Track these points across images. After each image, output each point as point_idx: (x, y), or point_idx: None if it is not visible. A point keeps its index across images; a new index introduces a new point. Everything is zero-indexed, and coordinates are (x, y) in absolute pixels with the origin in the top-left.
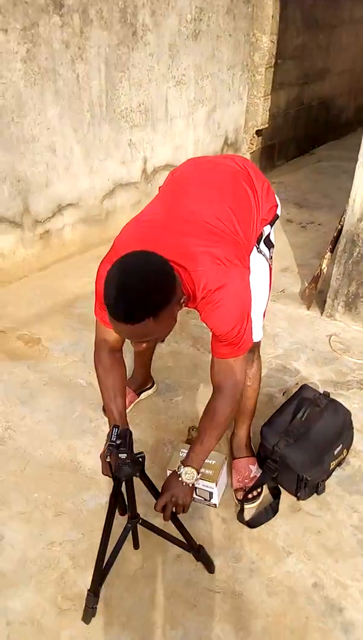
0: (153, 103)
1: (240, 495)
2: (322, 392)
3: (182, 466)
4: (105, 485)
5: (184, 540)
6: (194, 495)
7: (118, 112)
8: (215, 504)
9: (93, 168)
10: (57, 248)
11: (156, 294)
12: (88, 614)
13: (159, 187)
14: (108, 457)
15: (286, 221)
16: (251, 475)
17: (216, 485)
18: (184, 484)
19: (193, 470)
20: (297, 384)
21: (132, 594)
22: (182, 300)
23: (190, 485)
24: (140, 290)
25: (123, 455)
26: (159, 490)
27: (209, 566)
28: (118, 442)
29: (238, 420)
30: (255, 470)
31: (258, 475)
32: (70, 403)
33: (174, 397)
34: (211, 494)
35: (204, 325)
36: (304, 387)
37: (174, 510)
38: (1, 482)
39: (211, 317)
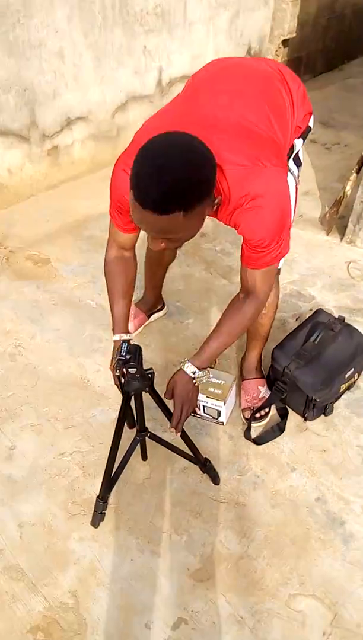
0: (170, 5)
1: (248, 414)
2: (337, 317)
3: (195, 369)
4: (114, 401)
5: (191, 454)
6: (202, 413)
7: (132, 15)
8: (223, 422)
9: (104, 78)
10: (66, 166)
11: (196, 184)
12: (97, 519)
13: (179, 94)
14: (117, 370)
15: (310, 142)
16: (260, 396)
17: (224, 404)
18: (195, 384)
19: (206, 372)
20: (311, 309)
21: (139, 501)
22: (216, 201)
23: (198, 385)
24: (179, 176)
25: (133, 370)
26: (168, 407)
27: (215, 478)
28: (128, 357)
29: (250, 344)
30: (263, 392)
31: (266, 397)
32: (80, 323)
33: (185, 319)
34: (219, 412)
35: (217, 249)
36: (319, 312)
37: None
38: (12, 396)
39: (249, 222)
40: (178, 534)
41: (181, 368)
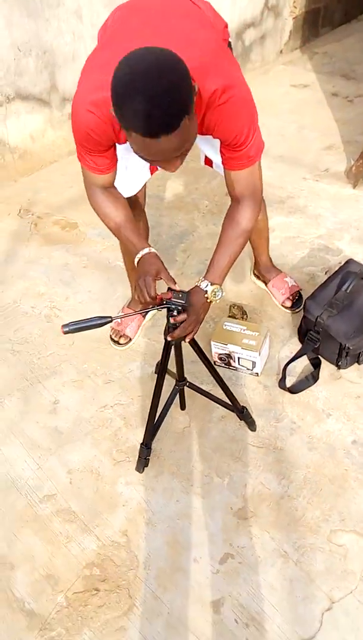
0: None
1: (289, 303)
2: None
3: (207, 283)
4: (150, 357)
5: (228, 402)
6: (237, 365)
7: None
8: (257, 373)
9: None
10: None
11: (184, 87)
12: (141, 464)
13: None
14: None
15: (332, 95)
16: (290, 285)
17: (259, 354)
18: (209, 301)
19: (219, 288)
20: (340, 263)
21: (180, 447)
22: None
23: (212, 302)
24: (171, 89)
25: (174, 320)
26: (208, 358)
27: (252, 425)
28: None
29: (258, 249)
30: (290, 281)
31: (295, 284)
32: (111, 285)
33: None
34: (254, 363)
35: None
36: (350, 262)
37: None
38: (52, 355)
39: (225, 118)
40: (219, 476)
41: (196, 285)
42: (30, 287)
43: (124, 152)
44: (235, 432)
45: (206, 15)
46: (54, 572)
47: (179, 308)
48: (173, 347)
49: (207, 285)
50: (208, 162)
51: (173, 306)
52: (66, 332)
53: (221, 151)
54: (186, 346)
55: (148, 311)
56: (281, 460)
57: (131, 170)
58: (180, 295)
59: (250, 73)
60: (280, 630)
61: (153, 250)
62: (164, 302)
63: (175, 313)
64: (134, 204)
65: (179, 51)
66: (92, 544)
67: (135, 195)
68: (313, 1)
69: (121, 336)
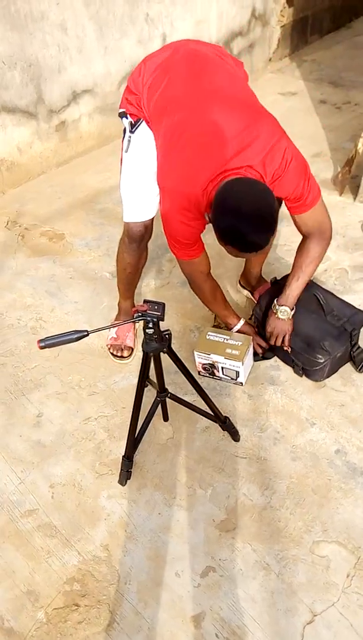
0: None
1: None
2: None
3: (277, 306)
4: (134, 368)
5: (211, 412)
6: (221, 375)
7: None
8: (241, 382)
9: (108, 49)
10: (74, 141)
11: (274, 213)
12: (123, 477)
13: (147, 60)
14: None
15: (320, 102)
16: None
17: (242, 364)
18: (281, 320)
19: (287, 308)
20: (326, 270)
21: (163, 459)
22: None
23: (287, 319)
24: (267, 218)
25: (150, 331)
26: (187, 368)
27: (235, 435)
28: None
29: (254, 262)
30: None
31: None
32: (97, 295)
33: None
34: (237, 372)
35: None
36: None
37: (277, 342)
38: (37, 367)
39: (284, 186)
40: (202, 488)
41: (275, 314)
42: (17, 298)
43: (143, 175)
44: (218, 442)
45: (234, 69)
46: (35, 588)
47: (155, 320)
48: (152, 359)
49: (276, 307)
50: None
51: (149, 318)
52: (42, 347)
53: (286, 204)
54: (166, 357)
55: (124, 324)
56: (264, 470)
57: (150, 193)
58: (156, 307)
59: None
60: None
61: (243, 320)
62: (141, 314)
63: (151, 325)
64: (149, 229)
65: (246, 128)
66: (73, 558)
67: (150, 219)
68: (301, 9)
69: (122, 349)
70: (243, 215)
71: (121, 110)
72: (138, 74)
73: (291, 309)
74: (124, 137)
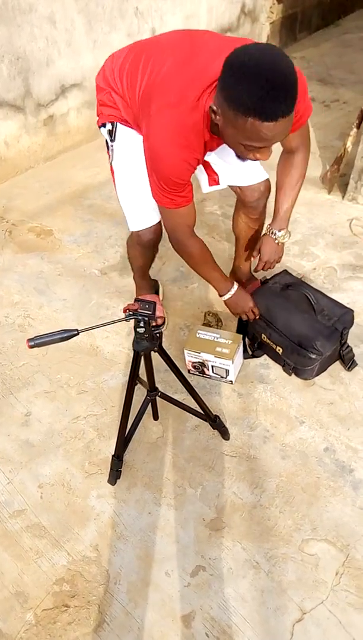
0: None
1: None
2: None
3: (276, 230)
4: (124, 366)
5: (201, 411)
6: (211, 373)
7: None
8: (231, 381)
9: (97, 42)
10: (63, 136)
11: (295, 75)
12: (113, 476)
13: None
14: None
15: None
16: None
17: (232, 362)
18: (279, 244)
19: (286, 231)
20: (314, 269)
21: (153, 458)
22: None
23: (281, 243)
24: (290, 76)
25: (141, 330)
26: (178, 367)
27: (225, 434)
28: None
29: (244, 257)
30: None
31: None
32: (86, 292)
33: (190, 284)
34: (227, 371)
35: (219, 213)
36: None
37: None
38: (25, 366)
39: None
40: (192, 487)
41: (266, 234)
42: (4, 295)
43: (137, 179)
44: (208, 441)
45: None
46: (24, 589)
47: (146, 318)
48: (143, 357)
49: (275, 232)
50: (212, 182)
51: (140, 317)
52: (31, 347)
53: None
54: (156, 356)
55: (114, 323)
56: (254, 469)
57: (149, 196)
58: (147, 306)
59: None
60: None
61: (236, 284)
62: (132, 313)
63: (141, 323)
64: (158, 233)
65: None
66: (62, 559)
67: (157, 223)
68: (290, 6)
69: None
70: (271, 68)
71: (99, 121)
72: (109, 68)
73: (288, 232)
74: (107, 149)
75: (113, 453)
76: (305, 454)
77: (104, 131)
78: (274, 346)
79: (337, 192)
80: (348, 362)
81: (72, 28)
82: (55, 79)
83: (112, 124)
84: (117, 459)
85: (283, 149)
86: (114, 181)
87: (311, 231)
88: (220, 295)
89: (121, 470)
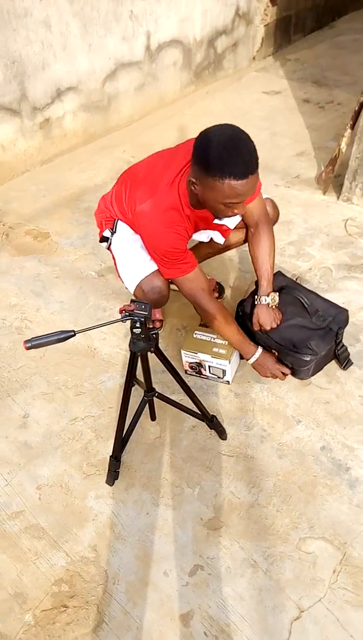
0: None
1: None
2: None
3: (264, 297)
4: (121, 367)
5: (198, 411)
6: (208, 374)
7: None
8: (228, 381)
9: (92, 46)
10: (59, 139)
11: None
12: (111, 477)
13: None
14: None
15: (303, 101)
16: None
17: (229, 363)
18: (272, 307)
19: (272, 294)
20: (310, 269)
21: (151, 459)
22: None
23: (275, 306)
24: (252, 144)
25: (138, 330)
26: (174, 367)
27: (222, 434)
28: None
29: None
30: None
31: None
32: (83, 294)
33: None
34: (224, 371)
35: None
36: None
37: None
38: (22, 368)
39: None
40: (190, 487)
41: (257, 304)
42: (1, 298)
43: (135, 249)
44: (205, 441)
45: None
46: (23, 590)
47: (142, 319)
48: (139, 358)
49: (265, 299)
50: (225, 234)
51: (136, 318)
52: (28, 348)
53: None
54: (153, 357)
55: (111, 324)
56: (251, 468)
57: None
58: (143, 307)
59: (223, 80)
60: None
61: (261, 348)
62: (128, 314)
63: (138, 324)
64: (164, 294)
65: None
66: (61, 560)
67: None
68: (284, 9)
69: (153, 322)
70: (233, 139)
71: (101, 232)
72: (103, 203)
73: (275, 293)
74: (108, 246)
75: (111, 454)
76: (302, 453)
77: (106, 234)
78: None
79: (331, 192)
80: (344, 362)
81: (67, 32)
82: (51, 83)
83: (114, 221)
84: (115, 459)
85: (247, 225)
86: (114, 261)
87: (307, 232)
88: (247, 360)
89: (118, 471)
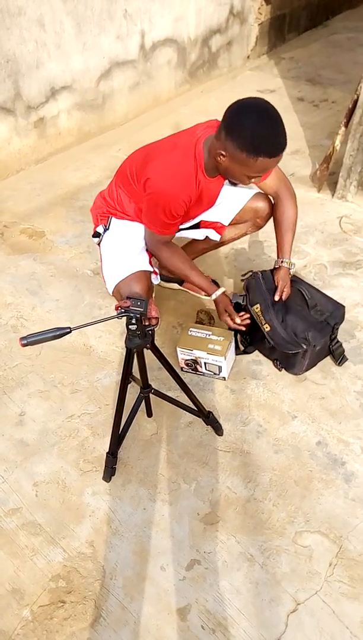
0: None
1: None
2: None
3: (286, 260)
4: (117, 365)
5: (194, 407)
6: (204, 370)
7: None
8: (224, 377)
9: (86, 44)
10: (53, 138)
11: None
12: (108, 473)
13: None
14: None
15: (297, 100)
16: None
17: (224, 359)
18: (290, 272)
19: (291, 260)
20: (305, 266)
21: (148, 455)
22: None
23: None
24: (280, 117)
25: (133, 327)
26: (171, 364)
27: (218, 430)
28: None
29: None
30: None
31: None
32: (78, 292)
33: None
34: (220, 367)
35: None
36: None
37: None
38: (18, 366)
39: None
40: (186, 482)
41: (280, 266)
42: None
43: (126, 244)
44: (202, 437)
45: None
46: (20, 586)
47: (138, 316)
48: (135, 355)
49: (285, 261)
50: (219, 230)
51: (132, 314)
52: (24, 345)
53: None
54: (149, 354)
55: (106, 320)
56: (247, 463)
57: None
58: (138, 304)
59: (217, 79)
60: (246, 634)
61: (221, 289)
62: (124, 311)
63: (133, 321)
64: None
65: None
66: (58, 556)
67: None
68: (278, 7)
69: (149, 319)
70: (268, 117)
71: (95, 227)
72: (101, 195)
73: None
74: (100, 242)
75: (108, 450)
76: (298, 448)
77: (100, 229)
78: (267, 342)
79: (326, 190)
80: (339, 357)
81: (61, 30)
82: (45, 82)
83: (108, 218)
84: (112, 456)
85: (267, 194)
86: (100, 257)
87: (302, 229)
88: (209, 296)
89: (115, 468)
